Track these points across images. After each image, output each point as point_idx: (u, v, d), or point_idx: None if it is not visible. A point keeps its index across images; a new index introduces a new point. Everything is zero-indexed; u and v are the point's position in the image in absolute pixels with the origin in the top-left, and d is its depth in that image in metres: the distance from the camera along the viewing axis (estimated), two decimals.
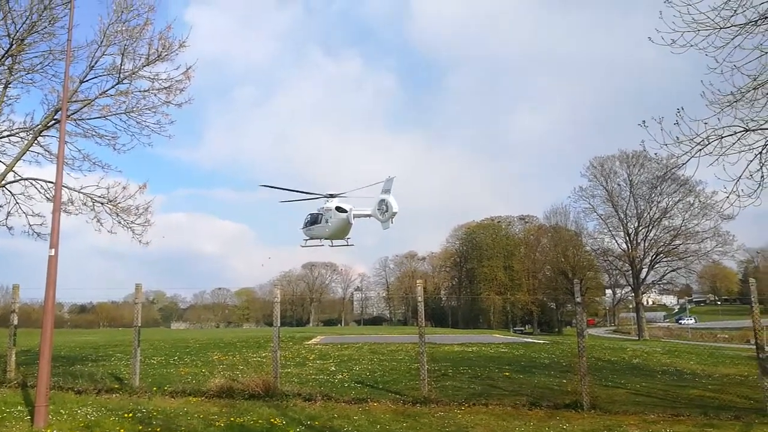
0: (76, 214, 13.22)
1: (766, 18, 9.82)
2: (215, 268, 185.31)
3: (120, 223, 13.36)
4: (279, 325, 12.50)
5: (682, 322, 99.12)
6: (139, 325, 12.81)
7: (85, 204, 13.16)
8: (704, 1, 9.78)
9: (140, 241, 13.58)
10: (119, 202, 13.25)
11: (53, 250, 9.79)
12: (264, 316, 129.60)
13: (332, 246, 19.63)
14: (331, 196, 19.05)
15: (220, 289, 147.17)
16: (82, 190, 13.11)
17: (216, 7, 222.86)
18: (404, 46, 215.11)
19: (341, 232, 18.95)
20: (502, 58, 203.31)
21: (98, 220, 13.30)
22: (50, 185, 12.92)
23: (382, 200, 17.27)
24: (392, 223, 17.31)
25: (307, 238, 19.99)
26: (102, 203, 13.22)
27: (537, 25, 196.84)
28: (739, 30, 9.91)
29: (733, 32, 9.93)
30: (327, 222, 18.85)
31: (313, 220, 19.47)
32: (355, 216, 18.24)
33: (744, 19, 9.92)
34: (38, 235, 13.45)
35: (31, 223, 13.46)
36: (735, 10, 9.85)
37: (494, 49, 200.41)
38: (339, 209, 18.56)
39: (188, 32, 13.12)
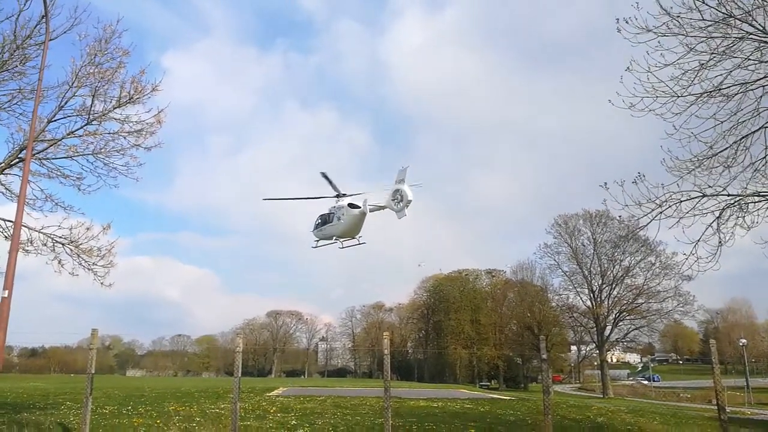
0: (35, 255, 12.85)
1: (719, 90, 10.41)
2: (177, 314, 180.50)
3: (81, 264, 13.01)
4: (240, 375, 12.11)
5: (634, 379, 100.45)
6: (93, 372, 12.23)
7: (45, 244, 12.81)
8: (663, 70, 10.35)
9: (102, 283, 13.25)
10: (81, 243, 12.93)
11: (7, 291, 9.44)
12: (225, 365, 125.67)
13: (342, 247, 19.50)
14: (343, 195, 19.10)
15: (180, 335, 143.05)
16: (42, 230, 12.77)
17: (196, 55, 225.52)
18: (379, 104, 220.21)
19: (354, 229, 18.96)
20: (471, 120, 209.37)
21: (59, 262, 12.93)
22: (9, 224, 12.56)
23: (397, 190, 17.42)
24: (406, 213, 17.31)
25: (318, 239, 19.93)
26: (63, 244, 12.88)
27: (507, 90, 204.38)
28: (695, 99, 10.47)
29: (690, 101, 10.49)
30: (339, 219, 18.93)
31: (324, 220, 19.57)
32: (370, 209, 18.23)
33: (700, 89, 10.50)
34: None
35: None
36: (692, 81, 10.43)
37: (464, 112, 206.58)
38: (352, 206, 18.57)
39: (162, 77, 13.28)
